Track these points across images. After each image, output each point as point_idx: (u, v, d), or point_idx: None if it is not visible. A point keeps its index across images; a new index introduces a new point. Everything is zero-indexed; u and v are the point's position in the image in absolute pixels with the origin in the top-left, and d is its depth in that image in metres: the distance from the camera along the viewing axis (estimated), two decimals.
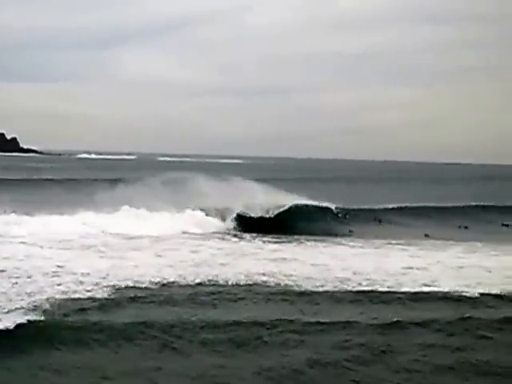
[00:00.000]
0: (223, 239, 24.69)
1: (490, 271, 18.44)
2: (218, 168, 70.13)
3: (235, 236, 25.76)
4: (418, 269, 18.54)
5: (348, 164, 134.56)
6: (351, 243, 24.62)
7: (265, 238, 25.06)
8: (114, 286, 15.07)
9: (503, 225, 32.71)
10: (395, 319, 12.60)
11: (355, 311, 13.55)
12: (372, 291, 15.35)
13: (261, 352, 10.91)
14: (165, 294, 14.58)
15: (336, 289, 15.60)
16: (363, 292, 15.33)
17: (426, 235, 27.69)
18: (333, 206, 30.20)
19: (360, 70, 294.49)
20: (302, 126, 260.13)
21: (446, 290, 15.53)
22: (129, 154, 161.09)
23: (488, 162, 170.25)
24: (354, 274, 17.45)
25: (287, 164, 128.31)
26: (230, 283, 15.98)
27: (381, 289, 15.63)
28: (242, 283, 16.01)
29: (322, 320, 12.56)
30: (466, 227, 31.56)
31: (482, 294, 15.12)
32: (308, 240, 25.03)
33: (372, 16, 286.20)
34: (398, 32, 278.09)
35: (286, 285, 16.00)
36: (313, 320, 12.59)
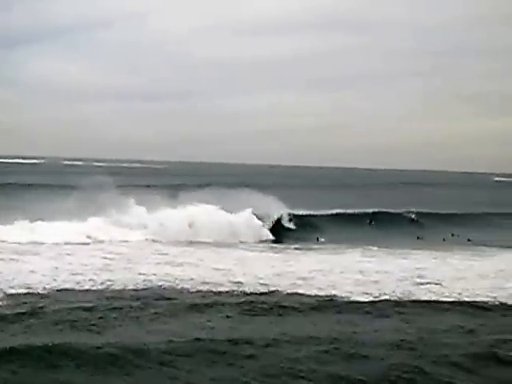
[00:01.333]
0: (125, 245, 24.30)
1: (387, 274, 18.91)
2: (119, 172, 68.74)
3: (138, 242, 25.43)
4: (313, 272, 18.82)
5: (261, 169, 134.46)
6: (253, 248, 24.93)
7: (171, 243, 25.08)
8: (5, 292, 14.59)
9: (370, 223, 34.05)
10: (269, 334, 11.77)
11: (244, 318, 13.17)
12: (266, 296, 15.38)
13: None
14: (58, 305, 13.64)
15: (232, 292, 15.68)
16: (260, 294, 15.44)
17: (317, 239, 29.07)
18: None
19: (273, 75, 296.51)
20: (212, 131, 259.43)
21: (344, 295, 15.69)
22: (33, 158, 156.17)
23: (410, 167, 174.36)
24: (254, 277, 17.57)
25: (198, 168, 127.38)
26: (127, 288, 15.77)
27: (276, 291, 15.81)
28: (139, 288, 15.85)
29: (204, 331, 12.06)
30: (370, 222, 33.13)
31: (372, 302, 15.15)
32: (212, 245, 25.21)
33: (285, 22, 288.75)
34: (310, 38, 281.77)
35: (182, 288, 15.96)
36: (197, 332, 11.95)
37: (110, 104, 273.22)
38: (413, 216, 36.22)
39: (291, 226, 32.09)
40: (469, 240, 29.69)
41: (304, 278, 17.75)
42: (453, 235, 31.49)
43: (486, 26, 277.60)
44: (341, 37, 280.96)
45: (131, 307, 13.58)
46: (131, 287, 15.87)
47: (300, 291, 15.97)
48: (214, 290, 15.92)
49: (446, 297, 15.70)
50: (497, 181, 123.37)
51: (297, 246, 25.91)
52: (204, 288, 16.06)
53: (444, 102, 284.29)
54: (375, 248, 25.23)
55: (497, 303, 15.12)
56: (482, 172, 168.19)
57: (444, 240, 30.05)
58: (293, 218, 32.54)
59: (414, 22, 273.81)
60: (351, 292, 15.92)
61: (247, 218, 29.45)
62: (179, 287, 16.09)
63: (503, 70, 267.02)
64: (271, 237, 29.48)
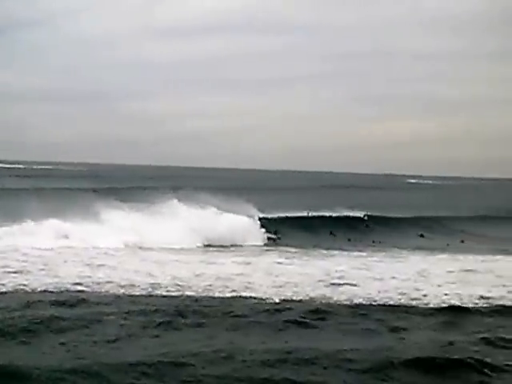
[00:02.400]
0: (49, 249, 22.76)
1: (306, 275, 18.70)
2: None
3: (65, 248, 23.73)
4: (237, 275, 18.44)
5: (187, 171, 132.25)
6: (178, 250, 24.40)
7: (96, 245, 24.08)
8: None
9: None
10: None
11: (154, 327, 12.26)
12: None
13: None
14: None
15: (147, 294, 15.25)
16: (174, 297, 15.04)
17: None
18: None
19: (188, 78, 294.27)
20: (135, 133, 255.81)
21: (259, 295, 15.46)
22: None
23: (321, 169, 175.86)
24: (173, 279, 17.18)
25: (123, 170, 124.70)
26: (38, 290, 15.17)
27: (189, 294, 15.43)
28: (53, 291, 15.22)
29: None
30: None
31: (283, 301, 15.01)
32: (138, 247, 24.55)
33: (200, 25, 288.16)
34: (230, 40, 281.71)
35: (98, 291, 15.42)
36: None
37: (26, 106, 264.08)
38: (364, 217, 36.21)
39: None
40: (349, 240, 30.12)
41: (222, 280, 17.41)
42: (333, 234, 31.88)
43: (405, 29, 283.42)
44: (259, 39, 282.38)
45: (43, 315, 12.58)
46: (44, 289, 15.26)
47: (216, 295, 15.56)
48: (130, 292, 15.41)
49: (360, 298, 15.58)
50: (409, 182, 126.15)
51: (221, 248, 25.53)
52: (119, 291, 15.52)
53: (358, 105, 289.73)
54: (293, 249, 25.23)
55: (413, 304, 15.03)
56: (396, 174, 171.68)
57: (347, 240, 30.25)
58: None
59: (333, 24, 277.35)
60: (266, 293, 15.66)
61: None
62: (93, 290, 15.52)
63: (415, 73, 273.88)
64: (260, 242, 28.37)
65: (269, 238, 29.27)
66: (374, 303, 15.03)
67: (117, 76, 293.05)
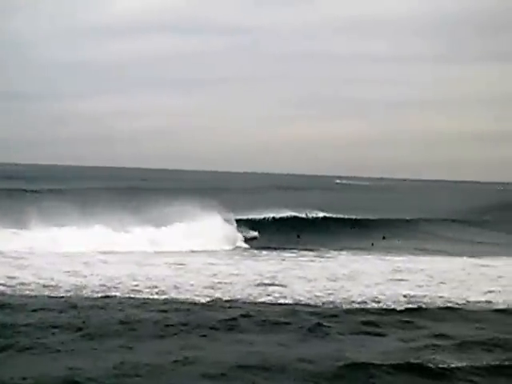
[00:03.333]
0: None
1: (237, 276, 18.29)
2: None
3: None
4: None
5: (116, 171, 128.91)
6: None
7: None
8: None
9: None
10: None
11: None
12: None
13: None
14: None
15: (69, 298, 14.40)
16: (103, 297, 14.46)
17: None
18: None
19: (116, 78, 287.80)
20: (64, 132, 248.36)
21: (187, 296, 15.03)
22: None
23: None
24: (101, 279, 16.59)
25: (48, 170, 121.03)
26: None
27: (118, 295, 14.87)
28: None
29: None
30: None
31: (213, 300, 14.65)
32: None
33: (133, 24, 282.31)
34: (168, 39, 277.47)
35: (20, 294, 14.65)
36: None
37: None
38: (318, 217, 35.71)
39: None
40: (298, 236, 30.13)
41: (151, 280, 16.80)
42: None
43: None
44: (202, 38, 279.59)
45: None
46: None
47: (141, 296, 14.88)
48: (54, 294, 14.71)
49: (285, 298, 15.25)
50: (337, 183, 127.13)
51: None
52: (42, 293, 14.77)
53: (290, 105, 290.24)
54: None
55: (340, 307, 14.59)
56: (325, 175, 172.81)
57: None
58: None
59: (271, 26, 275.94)
60: (195, 294, 15.19)
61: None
62: (16, 292, 14.75)
63: (350, 74, 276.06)
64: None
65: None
66: (300, 303, 14.67)
67: (48, 76, 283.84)
